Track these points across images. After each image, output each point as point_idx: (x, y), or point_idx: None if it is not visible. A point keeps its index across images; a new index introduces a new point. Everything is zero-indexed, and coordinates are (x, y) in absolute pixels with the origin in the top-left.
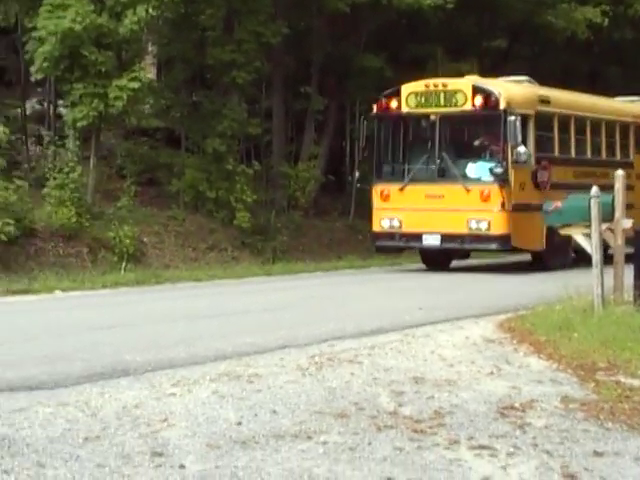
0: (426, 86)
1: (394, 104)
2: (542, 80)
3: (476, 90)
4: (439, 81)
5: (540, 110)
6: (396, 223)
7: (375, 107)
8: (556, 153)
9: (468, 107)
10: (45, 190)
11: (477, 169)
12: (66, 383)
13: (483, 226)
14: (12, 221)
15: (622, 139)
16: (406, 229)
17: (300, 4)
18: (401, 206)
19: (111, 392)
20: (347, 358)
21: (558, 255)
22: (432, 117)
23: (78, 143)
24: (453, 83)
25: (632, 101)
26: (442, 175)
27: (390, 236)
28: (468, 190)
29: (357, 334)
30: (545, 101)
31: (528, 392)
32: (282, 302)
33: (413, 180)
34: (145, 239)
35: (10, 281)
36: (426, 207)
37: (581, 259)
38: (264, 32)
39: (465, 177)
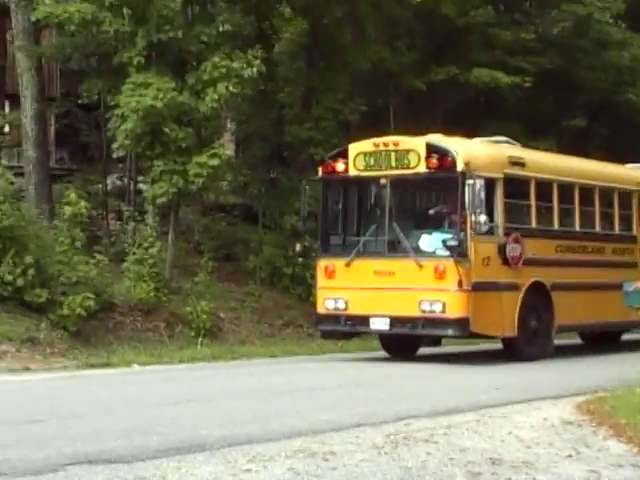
0: (375, 145)
1: (341, 166)
2: (620, 158)
3: (430, 149)
4: (390, 139)
5: (510, 173)
6: (341, 304)
7: (320, 170)
8: (533, 224)
9: (422, 169)
10: (124, 265)
11: (432, 241)
12: (143, 457)
13: (437, 308)
14: (92, 295)
15: (623, 209)
16: (352, 311)
17: (378, 82)
18: (347, 284)
19: (187, 467)
20: (423, 437)
21: (536, 343)
22: (382, 181)
23: (157, 219)
24: (405, 142)
25: (637, 168)
26: (392, 248)
27: (335, 319)
28: (421, 266)
29: (433, 413)
30: (518, 163)
31: (608, 476)
32: (357, 379)
33: (360, 254)
34: (222, 314)
35: (89, 355)
36: (374, 285)
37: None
38: (342, 109)
39: (418, 251)
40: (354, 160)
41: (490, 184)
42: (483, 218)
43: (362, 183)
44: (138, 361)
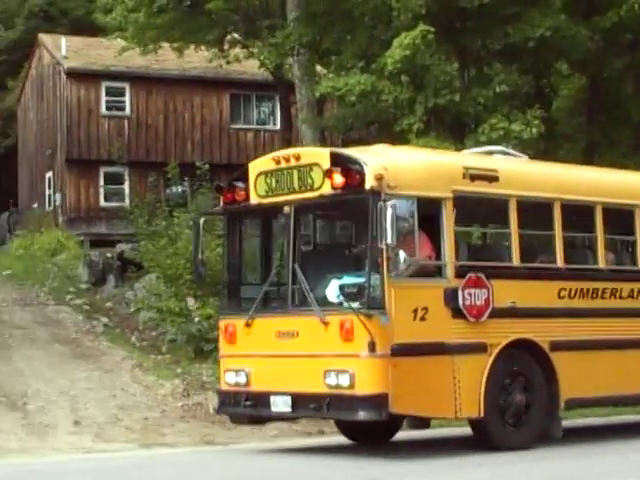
0: (276, 162)
1: (241, 193)
2: None
3: (336, 162)
4: (290, 152)
5: (466, 192)
6: (242, 378)
7: (222, 199)
8: (514, 260)
9: (327, 189)
10: None
11: (339, 289)
12: None
13: (344, 381)
14: None
15: None
16: (255, 387)
17: None
18: (249, 350)
19: None
20: None
21: (524, 425)
22: (285, 209)
23: None
24: (308, 154)
25: None
26: (297, 301)
27: (236, 398)
28: (326, 324)
29: None
30: (483, 177)
31: None
32: None
33: (260, 311)
34: None
35: None
36: (276, 352)
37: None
38: (626, 163)
39: (325, 302)
40: (255, 183)
41: (429, 207)
42: (402, 255)
43: (264, 213)
44: None
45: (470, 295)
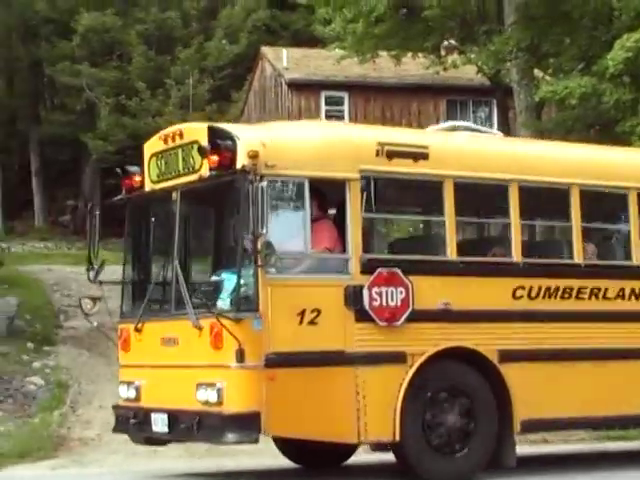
0: (164, 141)
1: (137, 179)
2: None
3: (212, 138)
4: (175, 129)
5: (380, 172)
6: (132, 392)
7: (123, 187)
8: (449, 253)
9: (205, 171)
10: None
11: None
12: None
13: (212, 397)
14: None
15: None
16: (144, 402)
17: None
18: (139, 360)
19: None
20: None
21: (456, 453)
22: (173, 196)
23: None
24: (190, 130)
25: None
26: (180, 303)
27: (126, 415)
28: (200, 329)
29: None
30: (406, 155)
31: None
32: None
33: (147, 314)
34: None
35: None
36: (160, 362)
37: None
38: None
39: (202, 304)
40: (149, 167)
41: (334, 190)
42: (268, 247)
43: (158, 201)
44: None
45: (380, 295)
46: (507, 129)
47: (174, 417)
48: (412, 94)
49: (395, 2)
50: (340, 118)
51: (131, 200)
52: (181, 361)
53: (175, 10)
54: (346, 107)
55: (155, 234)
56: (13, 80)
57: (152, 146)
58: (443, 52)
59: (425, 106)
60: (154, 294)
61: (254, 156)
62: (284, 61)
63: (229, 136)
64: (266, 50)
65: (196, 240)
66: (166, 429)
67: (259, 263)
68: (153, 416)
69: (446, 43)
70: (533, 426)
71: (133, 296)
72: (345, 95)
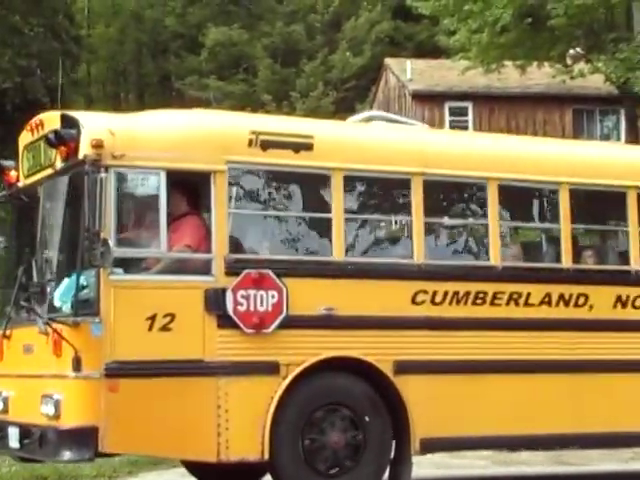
0: (31, 132)
1: (13, 174)
2: None
3: (61, 127)
4: (38, 118)
5: (252, 163)
6: (1, 405)
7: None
8: (335, 253)
9: (58, 163)
10: None
11: (64, 291)
12: None
13: (50, 410)
14: None
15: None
16: (10, 414)
17: None
18: (6, 369)
19: None
20: None
21: (344, 474)
22: (38, 191)
23: None
24: (48, 119)
25: None
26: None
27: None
28: (47, 334)
29: None
30: (282, 145)
31: None
32: None
33: (16, 320)
34: None
35: None
36: (21, 371)
37: None
38: None
39: (52, 309)
40: (22, 160)
41: (199, 183)
42: (103, 244)
43: (29, 198)
44: None
45: (247, 298)
46: (635, 137)
47: (25, 432)
48: (537, 104)
49: (520, 11)
50: (464, 129)
51: (9, 197)
52: (31, 370)
53: (300, 23)
54: (470, 117)
55: (22, 233)
56: (144, 94)
57: (23, 138)
58: (569, 61)
59: (551, 116)
60: (22, 298)
61: (97, 145)
62: (408, 72)
63: (75, 124)
64: (390, 61)
65: (56, 239)
66: (17, 444)
67: (95, 263)
68: (9, 430)
69: (572, 52)
70: (434, 446)
71: (6, 301)
72: (469, 105)
